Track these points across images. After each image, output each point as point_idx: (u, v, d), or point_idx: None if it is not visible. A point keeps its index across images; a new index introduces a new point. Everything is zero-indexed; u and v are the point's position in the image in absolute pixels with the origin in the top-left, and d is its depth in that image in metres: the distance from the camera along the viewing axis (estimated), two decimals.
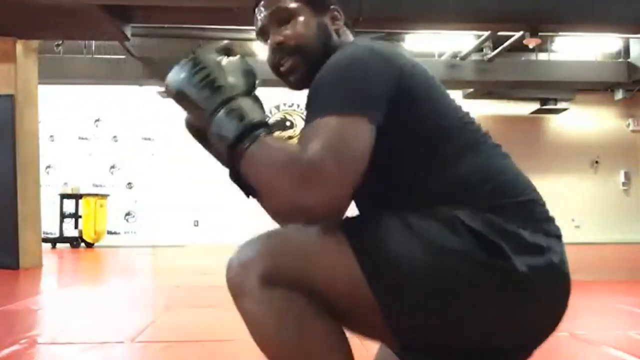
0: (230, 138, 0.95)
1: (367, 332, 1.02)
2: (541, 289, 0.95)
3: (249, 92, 1.01)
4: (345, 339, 0.97)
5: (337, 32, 1.17)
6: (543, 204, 1.04)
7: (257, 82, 1.04)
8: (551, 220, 1.03)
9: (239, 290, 0.95)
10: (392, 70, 1.01)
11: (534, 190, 1.05)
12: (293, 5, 1.14)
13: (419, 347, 0.99)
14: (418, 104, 1.02)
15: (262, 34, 1.17)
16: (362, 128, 0.94)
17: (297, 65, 1.13)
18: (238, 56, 1.05)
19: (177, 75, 1.00)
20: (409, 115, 1.01)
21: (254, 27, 1.19)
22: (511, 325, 0.97)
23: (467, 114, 1.10)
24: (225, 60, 1.02)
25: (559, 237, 1.02)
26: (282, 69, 1.14)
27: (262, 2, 1.16)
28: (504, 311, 0.95)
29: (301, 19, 1.13)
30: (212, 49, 1.04)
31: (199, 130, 1.07)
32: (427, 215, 0.96)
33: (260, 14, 1.16)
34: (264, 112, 1.01)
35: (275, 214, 1.09)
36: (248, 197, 1.14)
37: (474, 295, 0.93)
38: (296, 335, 0.93)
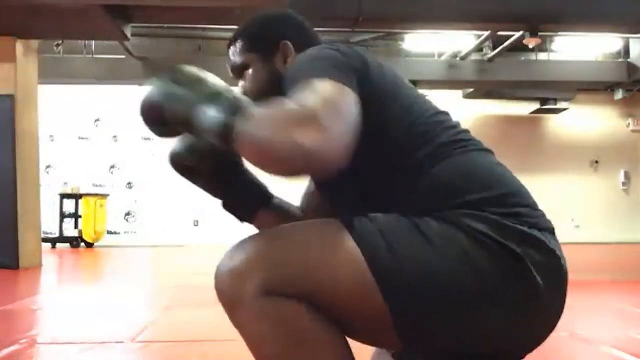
0: (222, 116, 0.87)
1: (370, 337, 0.99)
2: (547, 288, 0.93)
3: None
4: (351, 354, 0.94)
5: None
6: (526, 196, 1.01)
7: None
8: (541, 215, 1.00)
9: (234, 302, 0.89)
10: (360, 61, 1.01)
11: (517, 183, 1.02)
12: (244, 58, 1.18)
13: (421, 350, 0.98)
14: (387, 106, 1.01)
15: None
16: (350, 94, 0.92)
17: None
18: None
19: (154, 89, 0.97)
20: (378, 115, 0.99)
21: None
22: (519, 329, 0.95)
23: (443, 113, 1.08)
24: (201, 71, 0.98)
25: (552, 230, 1.00)
26: None
27: (228, 54, 1.22)
28: (515, 316, 0.93)
29: (252, 71, 1.18)
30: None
31: (185, 166, 1.11)
32: (435, 219, 0.94)
33: (228, 66, 1.22)
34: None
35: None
36: (242, 222, 1.16)
37: (488, 302, 0.91)
38: (300, 352, 0.89)
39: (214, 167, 1.15)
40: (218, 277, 0.92)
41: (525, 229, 0.94)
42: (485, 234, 0.92)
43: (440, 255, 0.90)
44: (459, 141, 1.03)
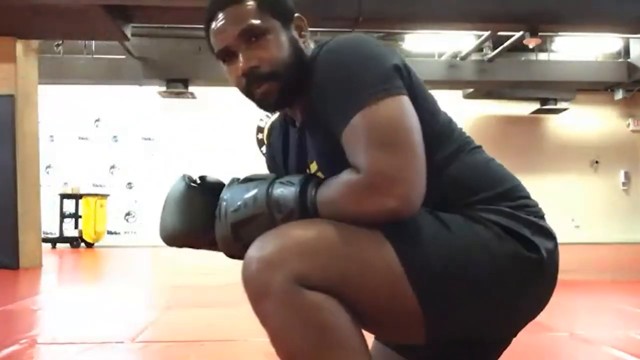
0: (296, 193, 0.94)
1: (393, 331, 0.98)
2: (553, 274, 1.00)
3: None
4: (368, 353, 0.93)
5: (304, 43, 1.08)
6: (524, 188, 1.07)
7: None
8: (538, 204, 1.06)
9: (263, 290, 0.87)
10: (398, 58, 0.99)
11: (515, 177, 1.08)
12: (263, 21, 1.01)
13: (442, 340, 0.99)
14: (417, 106, 0.99)
15: (226, 54, 1.04)
16: (406, 103, 0.93)
17: (273, 89, 1.03)
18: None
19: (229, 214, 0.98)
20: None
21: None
22: (527, 313, 1.01)
23: (447, 114, 1.11)
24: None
25: (545, 217, 1.06)
26: (256, 92, 1.04)
27: (223, 15, 1.02)
28: (529, 300, 0.99)
29: (273, 37, 1.02)
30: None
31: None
32: (457, 214, 0.97)
33: (224, 32, 1.02)
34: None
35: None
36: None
37: (510, 287, 0.95)
38: (324, 348, 0.87)
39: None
40: (246, 264, 0.89)
41: (533, 218, 1.00)
42: (502, 225, 0.96)
43: (465, 248, 0.93)
44: (465, 143, 1.07)
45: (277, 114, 1.24)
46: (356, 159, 0.90)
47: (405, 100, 0.93)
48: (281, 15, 1.04)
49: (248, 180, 1.02)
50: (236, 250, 0.99)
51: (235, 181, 1.03)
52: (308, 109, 1.05)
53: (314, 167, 1.08)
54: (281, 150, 1.20)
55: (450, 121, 1.08)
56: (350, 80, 0.94)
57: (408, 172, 0.88)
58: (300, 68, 1.03)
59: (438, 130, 1.03)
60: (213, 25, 1.04)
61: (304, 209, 0.94)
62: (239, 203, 0.97)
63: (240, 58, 1.02)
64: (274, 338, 0.89)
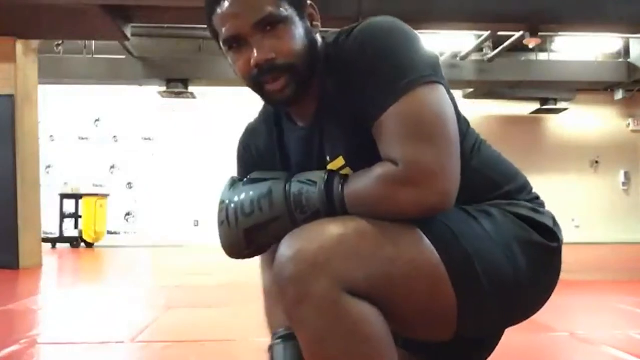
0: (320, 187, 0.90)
1: (423, 330, 0.94)
2: (561, 263, 1.02)
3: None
4: None
5: (316, 34, 1.02)
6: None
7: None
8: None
9: (303, 293, 0.80)
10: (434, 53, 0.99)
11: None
12: (281, 9, 0.94)
13: (468, 336, 0.98)
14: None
15: (235, 41, 0.96)
16: (433, 92, 0.89)
17: (288, 83, 0.96)
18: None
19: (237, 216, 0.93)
20: None
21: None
22: (542, 303, 1.03)
23: None
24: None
25: None
26: (268, 87, 0.96)
27: (234, 2, 0.95)
28: (549, 290, 1.02)
29: (289, 27, 0.95)
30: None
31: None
32: (483, 207, 0.97)
33: (236, 18, 0.94)
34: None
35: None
36: None
37: (540, 280, 0.97)
38: (361, 358, 0.82)
39: None
40: (282, 264, 0.83)
41: (545, 210, 1.03)
42: (527, 218, 0.97)
43: (500, 243, 0.92)
44: (478, 137, 1.08)
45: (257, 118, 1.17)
46: (392, 150, 0.86)
47: (443, 90, 0.91)
48: (297, 3, 0.98)
49: (256, 180, 0.96)
50: (246, 255, 0.96)
51: (237, 181, 0.98)
52: (329, 100, 0.98)
53: (338, 163, 0.99)
54: (278, 154, 1.11)
55: (465, 117, 1.08)
56: (389, 65, 0.90)
57: (447, 166, 0.85)
58: (315, 61, 0.98)
59: (461, 123, 1.02)
60: (222, 7, 0.95)
61: (331, 207, 0.89)
62: (251, 206, 0.92)
63: (255, 48, 0.94)
64: (310, 344, 0.84)
